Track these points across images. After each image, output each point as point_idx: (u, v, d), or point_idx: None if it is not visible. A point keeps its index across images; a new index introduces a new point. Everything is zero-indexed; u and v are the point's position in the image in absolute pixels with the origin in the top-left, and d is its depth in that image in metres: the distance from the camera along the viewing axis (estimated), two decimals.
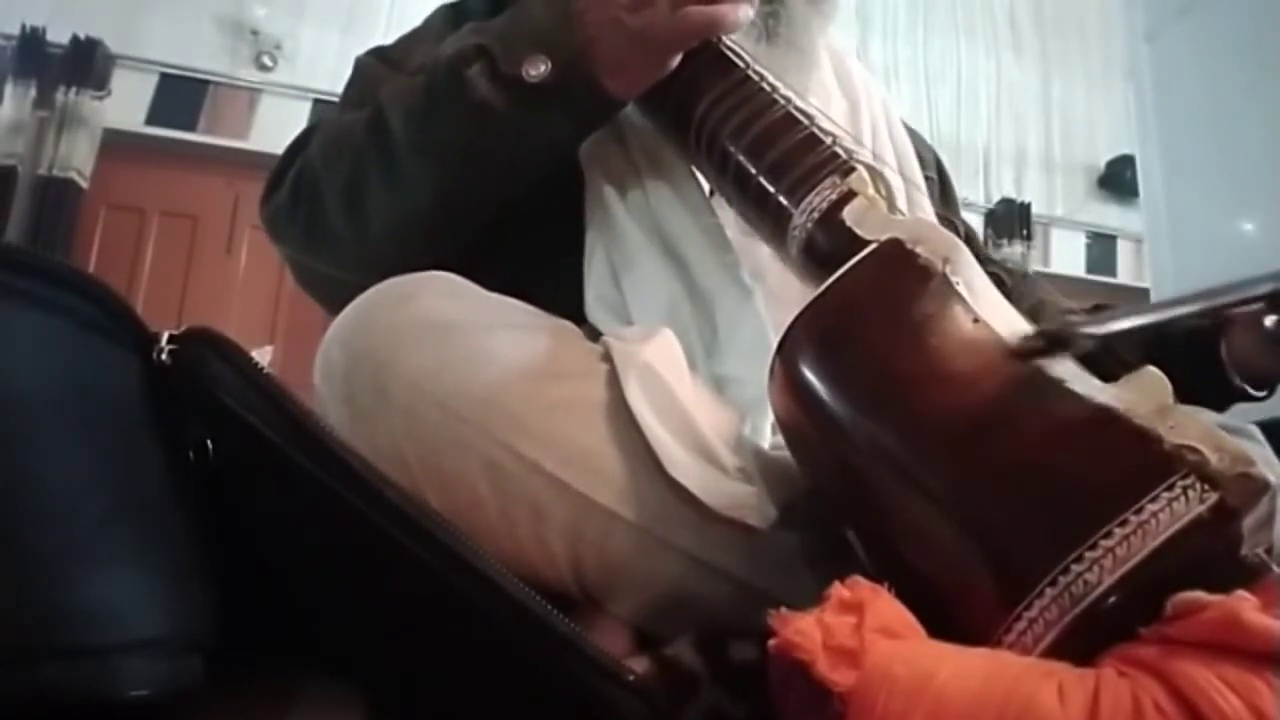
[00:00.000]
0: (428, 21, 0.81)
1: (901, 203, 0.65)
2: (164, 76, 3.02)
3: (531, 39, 0.60)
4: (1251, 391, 0.67)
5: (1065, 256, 3.82)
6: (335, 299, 0.66)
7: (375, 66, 0.78)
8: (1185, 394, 0.38)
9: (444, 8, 0.81)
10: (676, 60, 0.60)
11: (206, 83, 3.06)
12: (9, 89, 2.80)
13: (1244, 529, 0.34)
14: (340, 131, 0.68)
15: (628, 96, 0.62)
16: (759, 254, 0.62)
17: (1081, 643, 0.34)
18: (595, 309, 0.63)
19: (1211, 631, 0.30)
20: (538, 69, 0.59)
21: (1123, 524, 0.34)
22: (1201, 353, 0.66)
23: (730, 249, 0.62)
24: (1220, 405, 0.69)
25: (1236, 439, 0.36)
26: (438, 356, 0.49)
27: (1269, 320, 0.60)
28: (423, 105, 0.63)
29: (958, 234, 0.79)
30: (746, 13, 0.60)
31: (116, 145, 2.93)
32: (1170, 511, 0.34)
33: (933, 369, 0.42)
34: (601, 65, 0.60)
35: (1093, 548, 0.34)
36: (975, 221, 3.57)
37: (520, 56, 0.59)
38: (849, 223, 0.50)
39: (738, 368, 0.58)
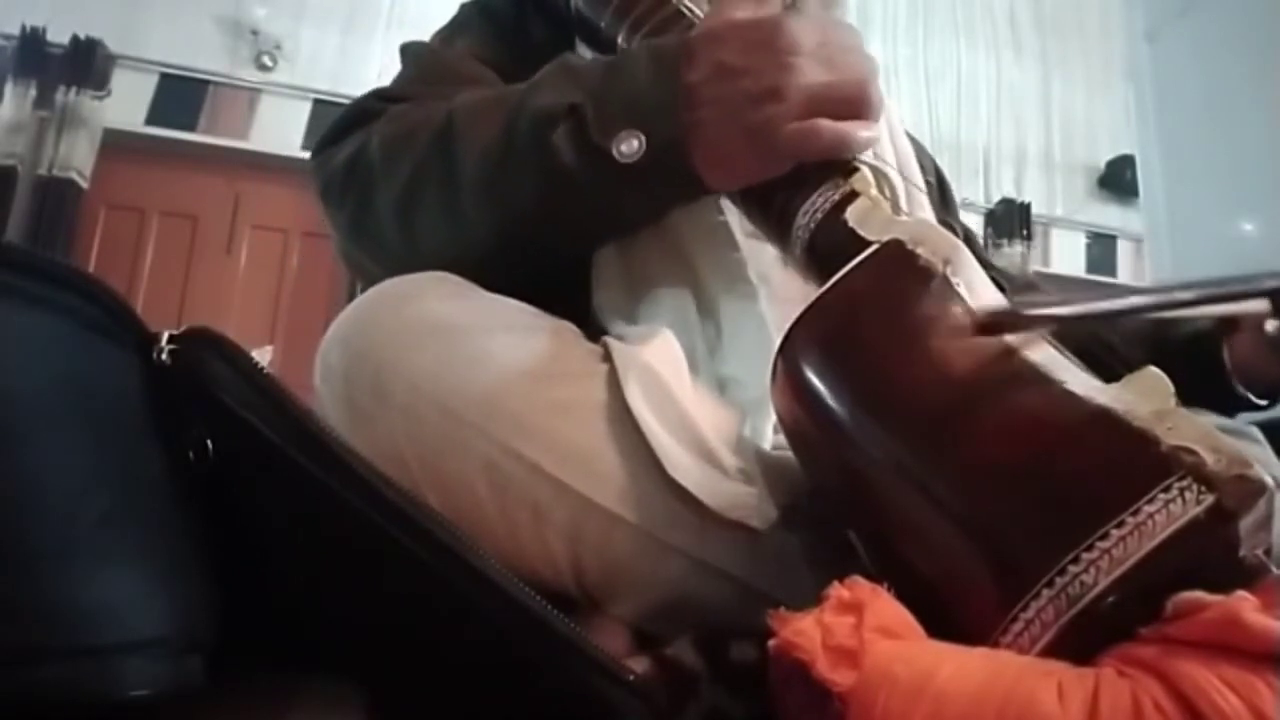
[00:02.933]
0: (460, 18, 0.79)
1: (903, 203, 0.65)
2: (164, 76, 3.03)
3: (630, 111, 0.53)
4: (1254, 400, 0.67)
5: (1065, 256, 3.83)
6: (368, 279, 0.65)
7: (432, 46, 0.75)
8: (1187, 401, 0.38)
9: (470, 4, 0.80)
10: (789, 167, 0.53)
11: (206, 83, 3.07)
12: (9, 89, 2.81)
13: (1241, 530, 0.34)
14: (407, 129, 0.63)
15: (724, 189, 0.57)
16: (764, 254, 0.62)
17: (1079, 643, 0.34)
18: (601, 309, 0.63)
19: (1211, 631, 0.30)
20: (630, 146, 0.52)
21: (1119, 525, 0.34)
22: (1204, 359, 0.65)
23: (737, 248, 0.62)
24: (1224, 413, 0.68)
25: (1235, 440, 0.36)
26: (438, 357, 0.49)
27: (1270, 325, 0.59)
28: (498, 152, 0.57)
29: (957, 237, 0.79)
30: (874, 136, 0.54)
31: (116, 145, 2.94)
32: (1167, 513, 0.34)
33: (932, 370, 0.42)
34: (703, 154, 0.53)
35: (1089, 549, 0.34)
36: (975, 222, 3.58)
37: (614, 128, 0.53)
38: (851, 223, 0.50)
39: (740, 368, 0.58)
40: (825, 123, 0.52)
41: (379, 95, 0.70)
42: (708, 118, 0.52)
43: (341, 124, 0.68)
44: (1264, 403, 0.67)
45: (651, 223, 0.61)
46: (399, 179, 0.61)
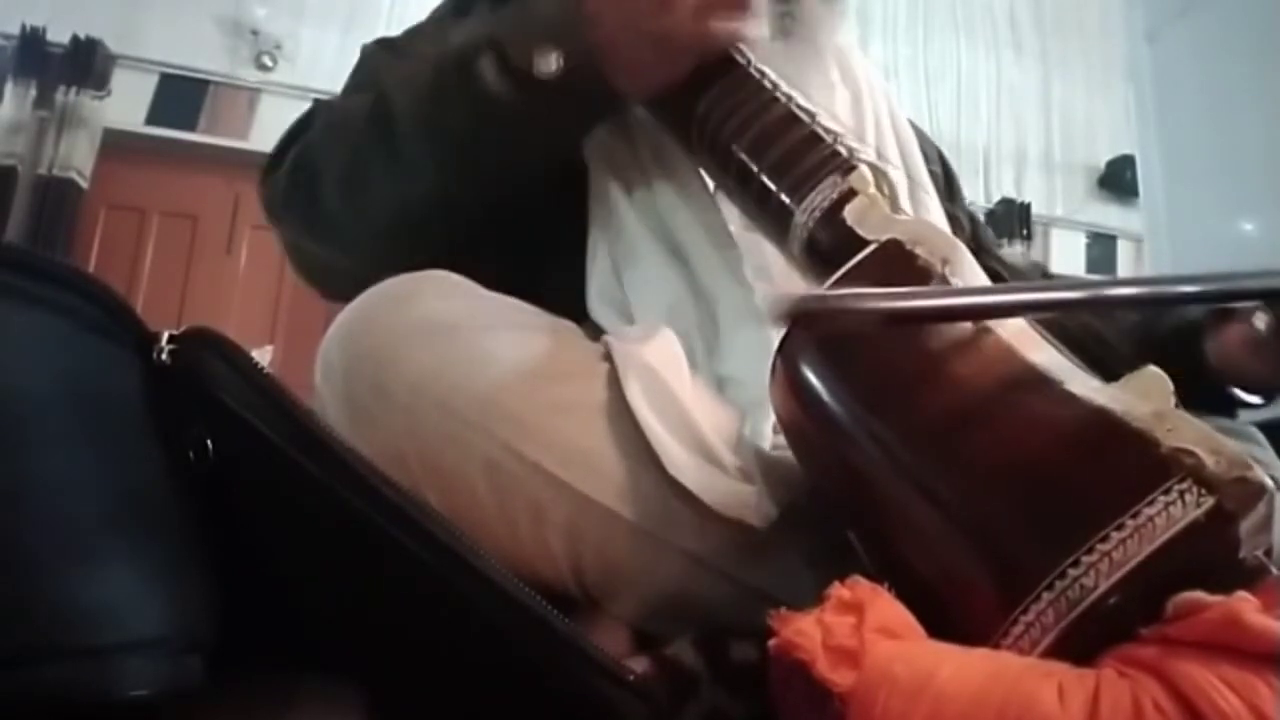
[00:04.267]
0: (435, 14, 0.82)
1: (904, 198, 0.65)
2: (164, 76, 3.02)
3: (543, 33, 0.60)
4: (1245, 398, 0.65)
5: (1065, 256, 3.82)
6: (330, 285, 0.67)
7: (380, 55, 0.78)
8: (1182, 399, 0.38)
9: (450, 2, 0.82)
10: (690, 66, 0.59)
11: (206, 83, 3.06)
12: (9, 89, 2.80)
13: (1241, 532, 0.34)
14: (343, 115, 0.68)
15: (638, 97, 0.62)
16: (763, 252, 0.62)
17: (1079, 646, 0.34)
18: (597, 304, 0.63)
19: (1212, 632, 0.30)
20: (548, 64, 0.59)
21: (1119, 528, 0.34)
22: (1188, 353, 0.63)
23: (734, 247, 0.62)
24: (1218, 412, 0.66)
25: (1236, 441, 0.36)
26: (438, 356, 0.49)
27: (1259, 320, 0.58)
28: (429, 92, 0.62)
29: (962, 228, 0.79)
30: (762, 30, 0.60)
31: (116, 145, 2.93)
32: (1167, 516, 0.34)
33: (931, 370, 0.42)
34: (613, 64, 0.59)
35: (1089, 552, 0.34)
36: None
37: (530, 50, 0.59)
38: (849, 222, 0.50)
39: (738, 367, 0.58)
40: (714, 22, 0.58)
41: (312, 112, 0.73)
42: (610, 36, 0.59)
43: (282, 146, 0.72)
44: (1258, 400, 0.64)
45: (576, 140, 0.66)
46: (343, 156, 0.65)
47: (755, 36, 0.60)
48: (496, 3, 0.77)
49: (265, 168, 0.72)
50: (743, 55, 0.60)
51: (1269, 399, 0.64)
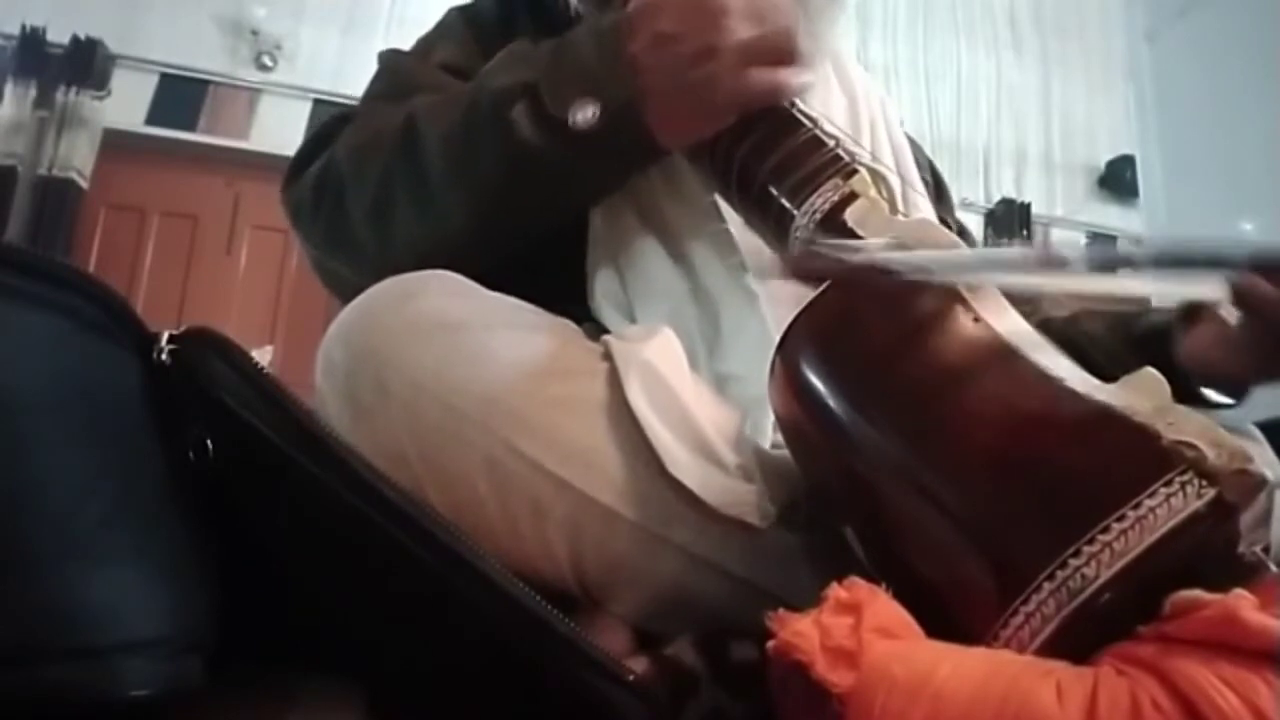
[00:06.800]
0: (444, 23, 0.80)
1: (900, 204, 0.65)
2: (164, 76, 3.03)
3: (581, 81, 0.57)
4: (1219, 398, 0.63)
5: None
6: (350, 296, 0.66)
7: (402, 59, 0.77)
8: None
9: (456, 10, 0.81)
10: (732, 119, 0.57)
11: (206, 83, 3.07)
12: (9, 89, 2.81)
13: (1241, 525, 0.35)
14: (371, 136, 0.66)
15: (676, 148, 0.60)
16: (763, 253, 0.62)
17: (1079, 638, 0.34)
18: (600, 303, 0.63)
19: (1210, 630, 0.30)
20: (586, 114, 0.56)
21: (1120, 519, 0.34)
22: (1160, 353, 0.62)
23: (736, 249, 0.62)
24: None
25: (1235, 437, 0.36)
26: (439, 355, 0.49)
27: (1230, 316, 0.56)
28: (461, 136, 0.60)
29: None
30: (808, 81, 0.58)
31: (116, 145, 2.93)
32: (1168, 507, 0.34)
33: (932, 367, 0.42)
34: (653, 115, 0.57)
35: (1090, 542, 0.34)
36: (975, 222, 3.57)
37: (568, 99, 0.57)
38: (850, 224, 0.50)
39: (740, 366, 0.58)
40: (759, 72, 0.56)
41: (341, 117, 0.72)
42: (653, 83, 0.56)
43: (307, 150, 0.71)
44: (1228, 400, 0.62)
45: (612, 191, 0.64)
46: (369, 182, 0.63)
47: (799, 92, 0.57)
48: (502, 15, 0.77)
49: (290, 172, 0.71)
50: None
51: (1239, 398, 0.63)
